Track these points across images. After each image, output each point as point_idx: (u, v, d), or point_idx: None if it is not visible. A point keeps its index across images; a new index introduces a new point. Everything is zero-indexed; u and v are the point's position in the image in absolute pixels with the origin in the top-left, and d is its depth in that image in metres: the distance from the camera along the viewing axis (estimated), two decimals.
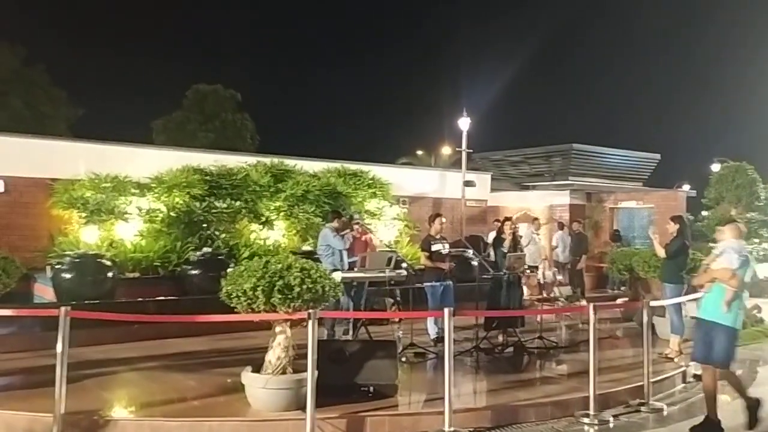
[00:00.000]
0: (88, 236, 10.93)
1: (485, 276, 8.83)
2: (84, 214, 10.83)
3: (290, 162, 13.90)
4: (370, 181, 14.55)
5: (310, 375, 5.47)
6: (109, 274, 9.60)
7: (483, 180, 17.68)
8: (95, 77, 38.39)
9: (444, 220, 9.20)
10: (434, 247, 8.83)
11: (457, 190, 16.81)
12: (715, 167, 28.43)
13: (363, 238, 10.58)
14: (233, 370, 6.95)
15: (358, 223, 10.00)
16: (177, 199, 11.61)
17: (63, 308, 5.46)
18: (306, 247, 11.98)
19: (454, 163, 25.04)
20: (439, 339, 9.00)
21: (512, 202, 19.97)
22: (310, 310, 5.56)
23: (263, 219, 12.54)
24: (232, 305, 5.67)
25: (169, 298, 9.79)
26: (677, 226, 8.46)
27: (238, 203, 12.10)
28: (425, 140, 38.25)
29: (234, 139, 33.65)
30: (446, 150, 33.18)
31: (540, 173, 21.33)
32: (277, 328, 5.86)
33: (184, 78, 37.88)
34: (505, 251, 9.19)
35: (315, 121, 52.23)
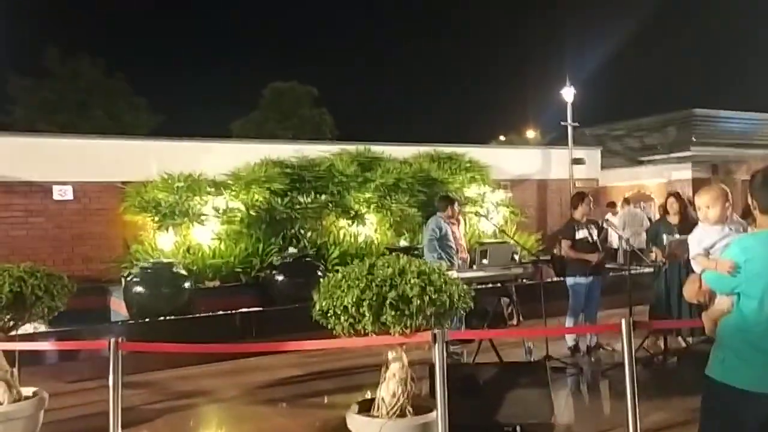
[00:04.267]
0: (164, 242, 9.87)
1: (639, 268, 7.05)
2: (156, 218, 9.77)
3: (377, 149, 12.46)
4: (467, 165, 12.95)
5: (440, 418, 3.96)
6: (186, 285, 8.43)
7: (592, 157, 15.64)
8: (172, 85, 38.49)
9: (591, 200, 7.46)
10: (579, 235, 7.13)
11: (563, 169, 14.90)
12: None
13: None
14: (334, 400, 5.55)
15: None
16: (256, 196, 10.39)
17: (112, 340, 4.16)
18: (403, 242, 10.50)
19: (552, 142, 22.85)
20: (577, 348, 7.31)
21: (623, 179, 17.83)
22: (436, 330, 4.02)
23: (352, 213, 11.15)
24: (328, 326, 4.21)
25: (253, 309, 8.50)
26: None
27: (323, 197, 10.76)
28: (521, 118, 36.08)
29: (313, 135, 32.81)
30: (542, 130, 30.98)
31: (652, 146, 18.98)
32: (391, 355, 4.36)
33: (260, 78, 37.26)
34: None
35: (397, 106, 49.90)
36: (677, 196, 7.54)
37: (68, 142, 10.69)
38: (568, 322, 7.13)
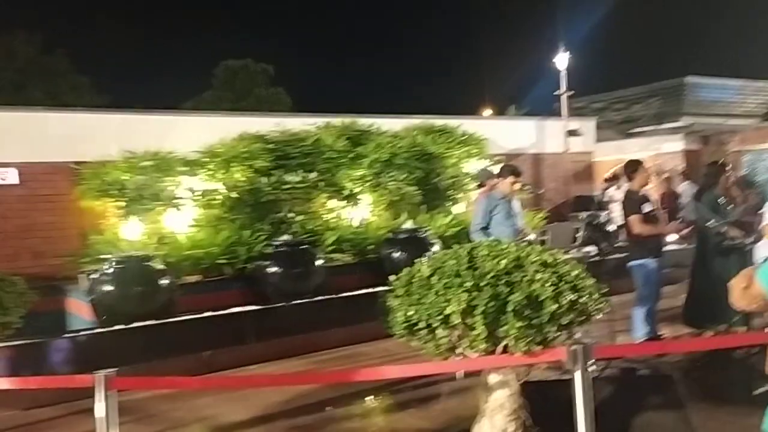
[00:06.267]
0: (130, 232, 8.40)
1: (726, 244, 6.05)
2: (122, 203, 8.29)
3: (364, 121, 11.15)
4: (462, 138, 11.78)
5: None
6: (163, 281, 7.03)
7: (587, 128, 14.68)
8: (117, 64, 35.96)
9: (648, 167, 6.45)
10: (645, 208, 6.09)
11: (557, 142, 13.90)
12: None
13: None
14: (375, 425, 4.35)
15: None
16: (237, 175, 8.99)
17: (101, 376, 2.84)
18: (410, 224, 9.31)
19: (529, 114, 21.84)
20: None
21: (610, 153, 17.01)
22: (576, 346, 2.83)
23: (345, 192, 9.85)
24: (418, 342, 2.98)
25: (249, 308, 7.17)
26: None
27: (312, 175, 9.42)
28: (505, 91, 34.94)
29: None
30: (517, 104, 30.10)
31: (642, 117, 18.19)
32: (493, 379, 3.16)
33: (211, 56, 35.12)
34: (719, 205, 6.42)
35: (371, 80, 46.98)
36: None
37: (8, 115, 8.98)
38: (641, 312, 6.04)
